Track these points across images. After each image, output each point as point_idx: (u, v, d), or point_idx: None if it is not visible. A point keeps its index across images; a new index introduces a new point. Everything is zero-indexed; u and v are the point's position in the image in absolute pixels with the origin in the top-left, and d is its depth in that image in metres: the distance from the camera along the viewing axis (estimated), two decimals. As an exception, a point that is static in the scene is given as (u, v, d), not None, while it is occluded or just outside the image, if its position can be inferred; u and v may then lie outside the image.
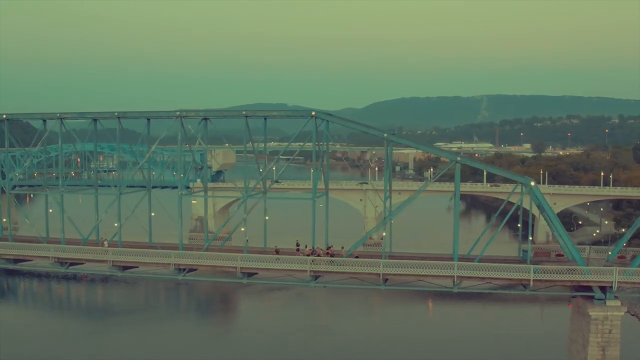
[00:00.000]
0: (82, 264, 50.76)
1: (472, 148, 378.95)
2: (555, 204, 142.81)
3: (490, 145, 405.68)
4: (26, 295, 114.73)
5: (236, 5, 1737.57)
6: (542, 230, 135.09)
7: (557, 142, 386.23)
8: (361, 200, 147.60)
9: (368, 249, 61.22)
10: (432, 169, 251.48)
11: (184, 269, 50.00)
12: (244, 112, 47.71)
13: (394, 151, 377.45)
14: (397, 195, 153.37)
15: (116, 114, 51.89)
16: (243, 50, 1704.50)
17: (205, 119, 50.92)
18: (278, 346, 79.77)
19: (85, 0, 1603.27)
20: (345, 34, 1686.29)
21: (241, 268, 47.82)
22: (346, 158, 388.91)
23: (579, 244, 74.72)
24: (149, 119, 52.14)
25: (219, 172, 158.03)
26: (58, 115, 52.03)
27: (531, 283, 45.25)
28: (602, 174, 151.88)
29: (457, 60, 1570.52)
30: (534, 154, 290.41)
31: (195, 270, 51.14)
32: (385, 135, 48.08)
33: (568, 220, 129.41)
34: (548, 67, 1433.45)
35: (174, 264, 49.10)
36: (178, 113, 49.89)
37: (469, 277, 45.17)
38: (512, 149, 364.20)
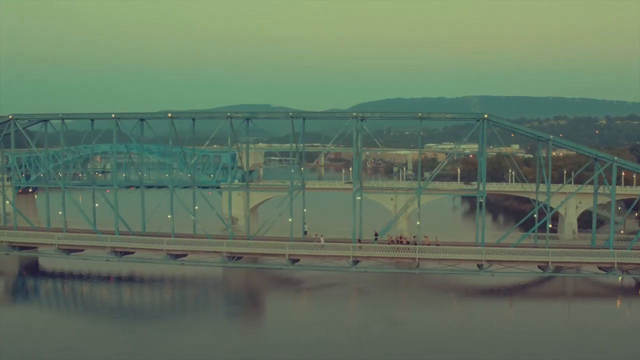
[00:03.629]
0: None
1: (464, 149, 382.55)
2: (580, 202, 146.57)
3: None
4: (51, 295, 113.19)
5: (220, 6, 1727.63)
6: (567, 228, 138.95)
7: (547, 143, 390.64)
8: (392, 199, 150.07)
9: None
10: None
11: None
12: (419, 115, 48.50)
13: (391, 152, 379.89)
14: (428, 196, 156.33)
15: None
16: (227, 50, 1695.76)
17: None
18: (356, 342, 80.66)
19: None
20: (329, 34, 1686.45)
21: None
22: (340, 159, 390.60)
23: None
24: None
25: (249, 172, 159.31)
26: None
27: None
28: (623, 174, 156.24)
29: (440, 62, 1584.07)
30: (529, 155, 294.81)
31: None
32: (551, 137, 50.07)
33: (590, 219, 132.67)
34: (529, 68, 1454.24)
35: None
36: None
37: (626, 264, 47.19)
38: (503, 149, 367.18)
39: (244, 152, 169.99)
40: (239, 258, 50.77)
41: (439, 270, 49.67)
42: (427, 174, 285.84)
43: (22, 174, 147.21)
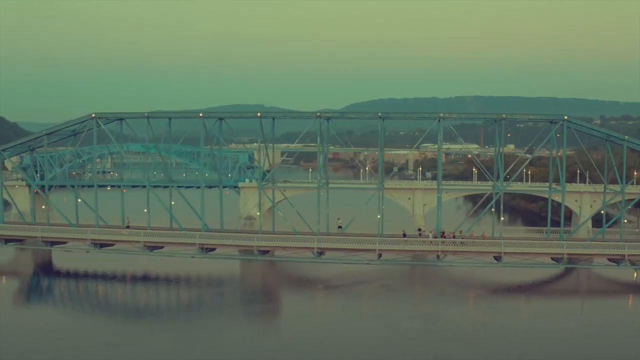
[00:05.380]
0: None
1: (461, 149, 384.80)
2: (595, 201, 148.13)
3: (476, 146, 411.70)
4: (73, 295, 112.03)
5: (215, 6, 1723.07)
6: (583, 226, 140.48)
7: (540, 143, 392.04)
8: (409, 199, 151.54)
9: None
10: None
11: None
12: (503, 115, 49.15)
13: (390, 152, 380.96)
14: (445, 195, 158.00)
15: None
16: (220, 50, 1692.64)
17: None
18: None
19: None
20: (322, 34, 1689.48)
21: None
22: (338, 159, 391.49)
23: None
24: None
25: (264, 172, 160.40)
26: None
27: None
28: (635, 173, 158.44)
29: (432, 62, 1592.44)
30: (529, 155, 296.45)
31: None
32: (626, 137, 51.05)
33: (602, 217, 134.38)
34: (522, 69, 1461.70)
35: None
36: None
37: None
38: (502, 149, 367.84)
39: (261, 152, 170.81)
40: (323, 253, 51.33)
41: (520, 264, 50.85)
42: (428, 174, 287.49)
43: (36, 173, 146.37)
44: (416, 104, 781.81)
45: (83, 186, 69.44)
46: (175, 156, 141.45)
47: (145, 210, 54.60)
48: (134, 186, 74.93)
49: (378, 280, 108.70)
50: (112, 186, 63.38)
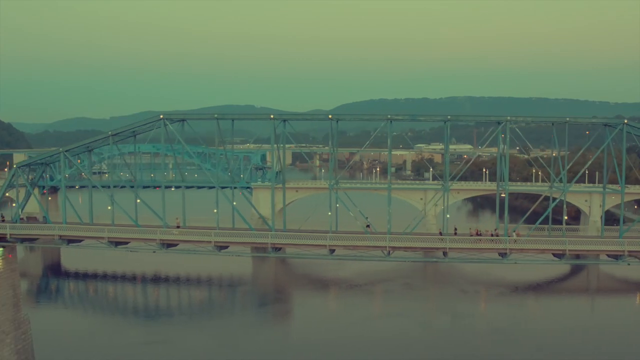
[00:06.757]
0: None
1: (455, 149, 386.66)
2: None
3: (470, 147, 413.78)
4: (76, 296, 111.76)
5: (202, 6, 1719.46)
6: (592, 226, 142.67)
7: (534, 144, 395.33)
8: (421, 199, 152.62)
9: None
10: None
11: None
12: (567, 120, 50.10)
13: (387, 152, 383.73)
14: (456, 194, 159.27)
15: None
16: (211, 51, 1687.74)
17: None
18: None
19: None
20: (312, 34, 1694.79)
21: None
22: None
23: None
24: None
25: (277, 173, 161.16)
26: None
27: None
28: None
29: (423, 63, 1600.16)
30: (526, 156, 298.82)
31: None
32: None
33: (610, 217, 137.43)
34: (512, 70, 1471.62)
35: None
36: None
37: None
38: (492, 150, 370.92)
39: (275, 152, 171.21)
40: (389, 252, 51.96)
41: (580, 261, 51.95)
42: (426, 174, 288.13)
43: (46, 175, 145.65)
44: (407, 104, 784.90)
45: (145, 187, 69.01)
46: (188, 157, 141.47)
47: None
48: (199, 187, 74.87)
49: (396, 279, 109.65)
50: (176, 187, 63.18)
